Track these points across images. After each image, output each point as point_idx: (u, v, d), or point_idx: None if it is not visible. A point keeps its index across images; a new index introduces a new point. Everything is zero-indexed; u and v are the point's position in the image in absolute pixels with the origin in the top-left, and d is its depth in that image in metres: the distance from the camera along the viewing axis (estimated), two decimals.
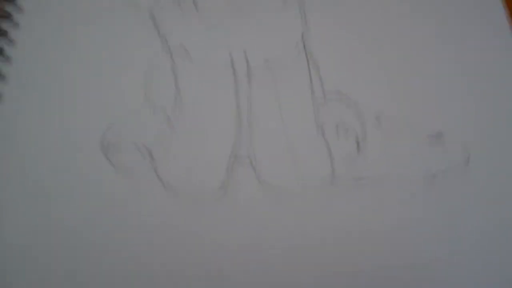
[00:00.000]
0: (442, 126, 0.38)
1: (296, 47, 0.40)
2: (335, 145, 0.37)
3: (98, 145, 0.36)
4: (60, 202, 0.35)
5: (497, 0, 0.43)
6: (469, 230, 0.35)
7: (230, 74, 0.38)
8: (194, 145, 0.36)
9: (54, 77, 0.38)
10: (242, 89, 0.38)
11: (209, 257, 0.34)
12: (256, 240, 0.35)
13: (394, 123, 0.38)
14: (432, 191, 0.37)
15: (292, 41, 0.39)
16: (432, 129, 0.38)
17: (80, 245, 0.34)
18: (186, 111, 0.36)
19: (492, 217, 0.36)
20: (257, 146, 0.36)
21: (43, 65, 0.39)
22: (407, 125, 0.38)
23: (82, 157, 0.36)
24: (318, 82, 0.39)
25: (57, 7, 0.41)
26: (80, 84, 0.38)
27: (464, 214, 0.36)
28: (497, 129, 0.38)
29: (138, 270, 0.34)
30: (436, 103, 0.39)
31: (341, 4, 0.42)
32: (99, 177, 0.35)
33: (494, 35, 0.41)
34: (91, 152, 0.36)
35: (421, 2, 0.43)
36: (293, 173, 0.36)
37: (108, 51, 0.39)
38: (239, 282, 0.34)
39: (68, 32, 0.40)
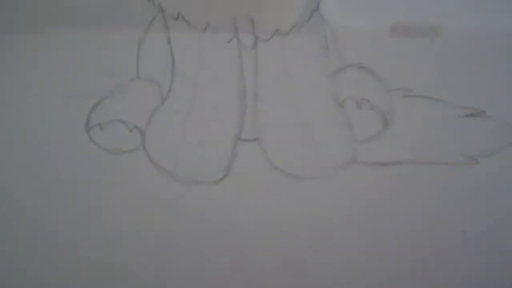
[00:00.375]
0: (482, 104, 0.33)
1: (312, 15, 0.35)
2: (358, 123, 0.31)
3: (83, 125, 0.31)
4: (46, 186, 0.31)
5: None
6: None
7: (234, 46, 0.33)
8: (192, 125, 0.31)
9: (35, 49, 0.34)
10: (248, 63, 0.34)
11: (207, 241, 0.30)
12: (260, 228, 0.30)
13: (425, 100, 0.33)
14: (473, 176, 0.31)
15: (307, 8, 0.35)
16: (470, 107, 0.33)
17: (64, 226, 0.30)
18: (183, 88, 0.32)
19: None
20: (266, 125, 0.31)
21: (23, 37, 0.34)
22: (441, 102, 0.33)
23: (65, 138, 0.31)
24: (336, 56, 0.34)
25: None
26: (63, 56, 0.34)
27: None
28: None
29: (126, 253, 0.30)
30: (475, 78, 0.34)
31: None
32: (84, 160, 0.31)
33: None
34: (75, 133, 0.31)
35: None
36: (308, 156, 0.31)
37: (94, 19, 0.34)
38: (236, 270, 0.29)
39: (53, 3, 0.36)
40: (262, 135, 0.31)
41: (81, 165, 0.31)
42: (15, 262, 0.30)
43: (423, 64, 0.34)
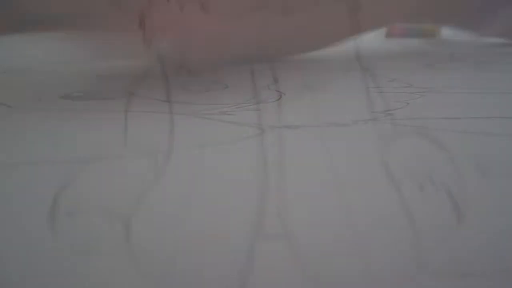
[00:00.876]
0: None
1: (348, 57, 0.27)
2: (420, 212, 0.23)
3: (46, 213, 0.22)
4: None
5: None
6: None
7: (252, 106, 0.26)
8: (195, 214, 0.23)
9: None
10: (268, 117, 0.26)
11: None
12: None
13: (510, 180, 0.25)
14: None
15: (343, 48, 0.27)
16: None
17: None
18: (185, 161, 0.24)
19: None
20: (295, 216, 0.23)
21: None
22: None
23: (23, 231, 0.22)
24: (382, 109, 0.26)
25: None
26: (25, 111, 0.26)
27: None
28: None
29: None
30: None
31: None
32: (44, 258, 0.22)
33: None
34: (35, 225, 0.22)
35: None
36: (354, 263, 0.23)
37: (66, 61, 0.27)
38: None
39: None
40: (290, 230, 0.22)
41: (41, 265, 0.22)
42: None
43: (504, 122, 0.26)
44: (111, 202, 0.22)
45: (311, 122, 0.31)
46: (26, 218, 0.22)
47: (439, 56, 0.57)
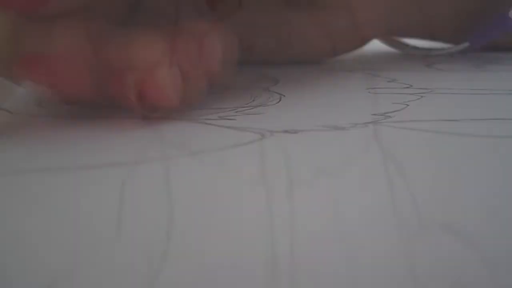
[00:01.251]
0: None
1: (367, 142, 0.26)
2: None
3: None
4: None
5: None
6: None
7: (257, 180, 0.23)
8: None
9: None
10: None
11: None
12: None
13: None
14: None
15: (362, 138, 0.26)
16: None
17: None
18: (186, 249, 0.19)
19: None
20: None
21: None
22: None
23: None
24: (406, 202, 0.22)
25: None
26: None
27: None
28: None
29: None
30: None
31: None
32: None
33: None
34: None
35: None
36: None
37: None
38: None
39: None
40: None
41: None
42: None
43: None
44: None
45: (311, 126, 0.31)
46: None
47: (439, 56, 0.57)
